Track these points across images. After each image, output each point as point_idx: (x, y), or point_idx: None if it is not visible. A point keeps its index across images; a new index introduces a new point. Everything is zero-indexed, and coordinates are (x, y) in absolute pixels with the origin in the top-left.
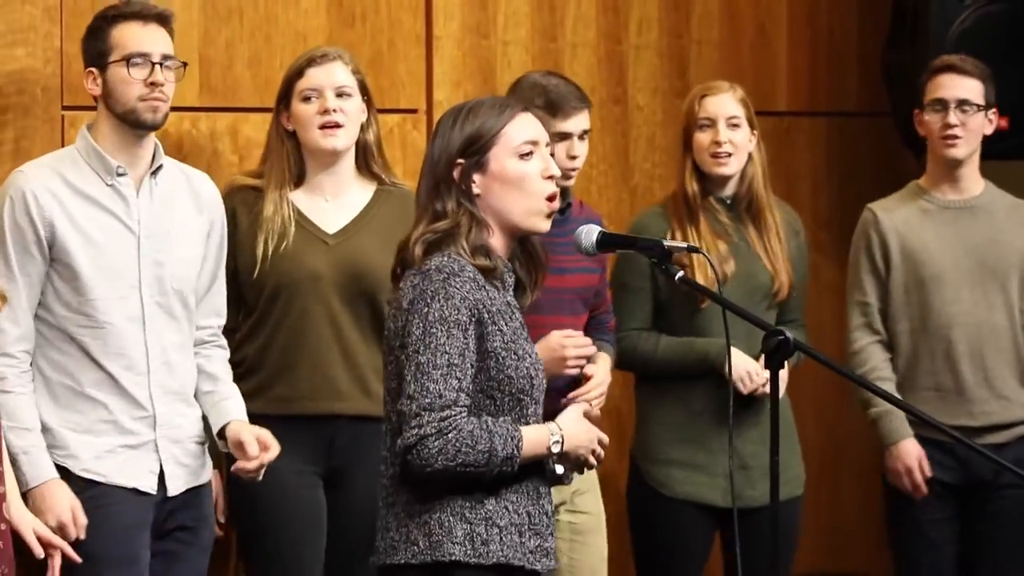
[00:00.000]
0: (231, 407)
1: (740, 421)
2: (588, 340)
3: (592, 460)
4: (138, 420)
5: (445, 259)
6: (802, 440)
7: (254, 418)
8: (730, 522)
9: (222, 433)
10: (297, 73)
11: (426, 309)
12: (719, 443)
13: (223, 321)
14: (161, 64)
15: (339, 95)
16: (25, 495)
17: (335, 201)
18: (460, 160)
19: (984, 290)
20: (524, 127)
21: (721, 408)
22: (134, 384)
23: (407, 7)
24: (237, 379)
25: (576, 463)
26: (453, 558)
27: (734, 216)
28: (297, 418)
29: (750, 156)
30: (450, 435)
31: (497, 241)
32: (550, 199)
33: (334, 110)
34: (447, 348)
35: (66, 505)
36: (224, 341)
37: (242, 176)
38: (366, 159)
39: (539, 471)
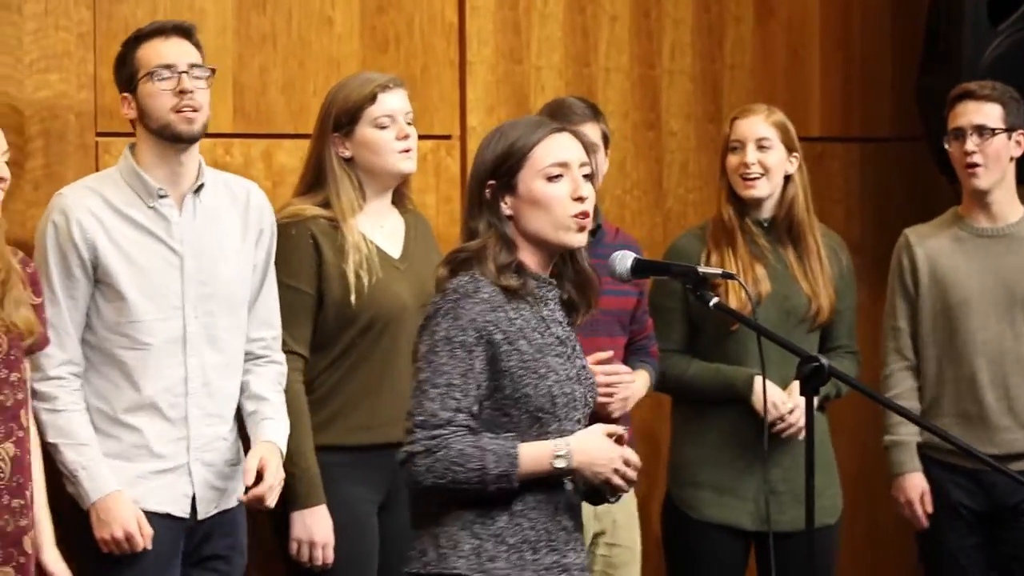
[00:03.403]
0: (266, 427)
1: (772, 446)
2: (623, 368)
3: (618, 480)
4: (173, 442)
5: (464, 279)
6: (838, 466)
7: (325, 449)
8: (763, 546)
9: None
10: (369, 99)
11: (435, 327)
12: (749, 467)
13: (276, 332)
14: (188, 73)
15: (408, 121)
16: (88, 510)
17: (387, 227)
18: (491, 181)
19: (1011, 319)
20: (553, 149)
21: (753, 432)
22: (171, 406)
23: (440, 32)
24: (308, 407)
25: (598, 483)
26: (456, 571)
27: (772, 239)
28: (370, 447)
29: (790, 179)
30: (439, 453)
31: (532, 259)
32: (579, 216)
33: (408, 135)
34: (447, 368)
35: (131, 515)
36: (280, 356)
37: (308, 205)
38: (401, 185)
39: (560, 486)
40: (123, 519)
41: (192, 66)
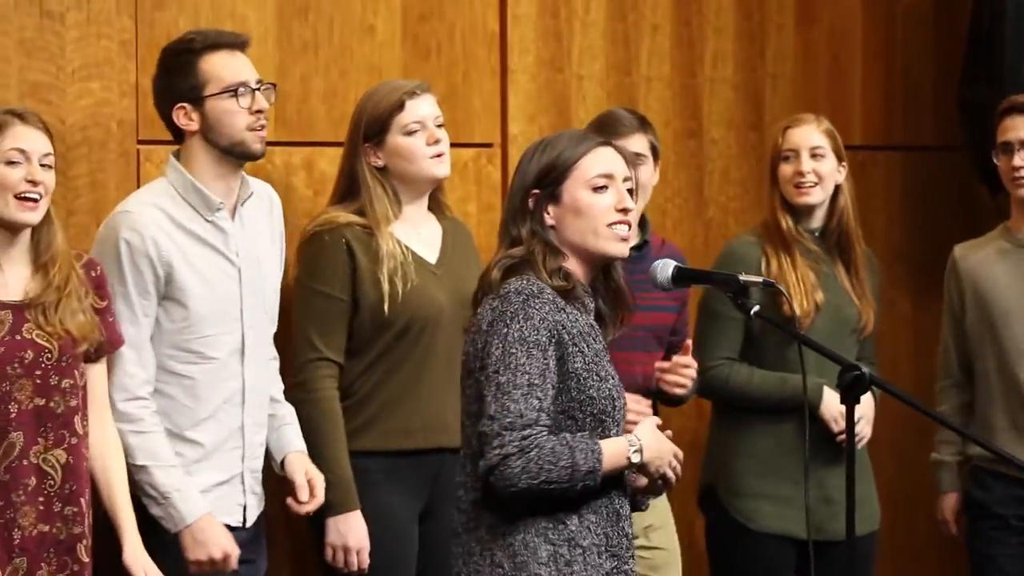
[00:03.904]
0: (291, 435)
1: (825, 454)
2: (646, 407)
3: (671, 474)
4: (230, 452)
5: (524, 282)
6: (879, 476)
7: (362, 455)
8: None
9: (282, 461)
10: (397, 107)
11: (505, 330)
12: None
13: (275, 327)
14: (259, 90)
15: (438, 125)
16: (180, 532)
17: (423, 232)
18: (535, 191)
19: None
20: (599, 160)
21: (812, 442)
22: (231, 417)
23: (482, 41)
24: (344, 412)
25: (654, 477)
26: None
27: (824, 248)
28: (411, 452)
29: (839, 188)
30: (532, 453)
31: (576, 268)
32: (618, 223)
33: (439, 140)
34: (527, 368)
35: (224, 535)
36: (275, 351)
37: (342, 213)
38: (436, 190)
39: (620, 490)
40: (219, 540)
41: (260, 83)
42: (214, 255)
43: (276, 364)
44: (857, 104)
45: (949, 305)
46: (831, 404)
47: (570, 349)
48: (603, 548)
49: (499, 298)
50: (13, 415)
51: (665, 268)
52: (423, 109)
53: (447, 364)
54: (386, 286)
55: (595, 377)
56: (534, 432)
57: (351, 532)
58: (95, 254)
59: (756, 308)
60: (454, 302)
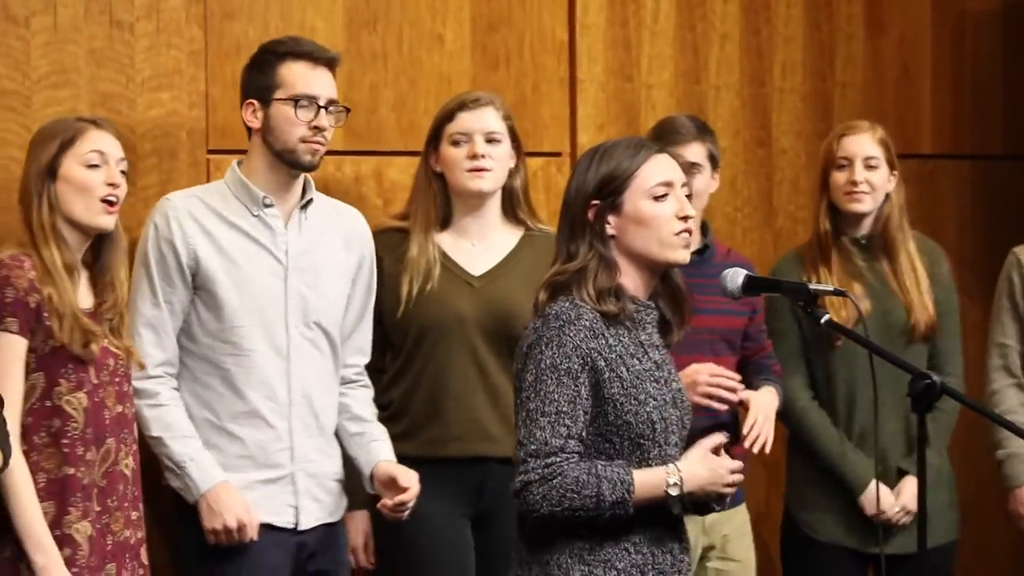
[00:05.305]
0: (382, 449)
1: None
2: (731, 374)
3: (727, 490)
4: (277, 452)
5: (565, 305)
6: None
7: (405, 460)
8: (880, 568)
9: (371, 474)
10: (447, 117)
11: (540, 355)
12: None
13: (367, 359)
14: (326, 108)
15: (488, 140)
16: (196, 501)
17: (481, 244)
18: (595, 201)
19: None
20: (658, 169)
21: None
22: (275, 414)
23: (551, 51)
24: (386, 420)
25: (708, 502)
26: None
27: (869, 256)
28: (448, 460)
29: (888, 196)
30: (554, 481)
31: (633, 280)
32: (682, 232)
33: (482, 155)
34: (556, 396)
35: (241, 504)
36: (368, 380)
37: (388, 219)
38: (512, 204)
39: (664, 516)
40: (235, 508)
41: (330, 102)
42: (257, 249)
43: (365, 391)
44: (926, 113)
45: (1012, 306)
46: (870, 500)
47: (606, 375)
48: (648, 567)
49: (541, 319)
50: (107, 421)
51: (736, 277)
52: (471, 122)
53: (479, 374)
54: (404, 291)
55: (633, 401)
56: (559, 460)
57: (346, 532)
58: (140, 240)
59: (827, 317)
60: (487, 315)
